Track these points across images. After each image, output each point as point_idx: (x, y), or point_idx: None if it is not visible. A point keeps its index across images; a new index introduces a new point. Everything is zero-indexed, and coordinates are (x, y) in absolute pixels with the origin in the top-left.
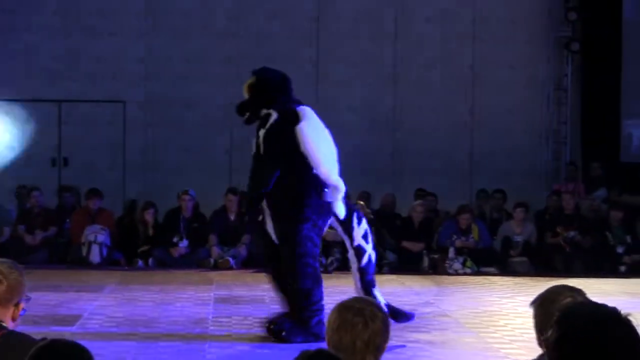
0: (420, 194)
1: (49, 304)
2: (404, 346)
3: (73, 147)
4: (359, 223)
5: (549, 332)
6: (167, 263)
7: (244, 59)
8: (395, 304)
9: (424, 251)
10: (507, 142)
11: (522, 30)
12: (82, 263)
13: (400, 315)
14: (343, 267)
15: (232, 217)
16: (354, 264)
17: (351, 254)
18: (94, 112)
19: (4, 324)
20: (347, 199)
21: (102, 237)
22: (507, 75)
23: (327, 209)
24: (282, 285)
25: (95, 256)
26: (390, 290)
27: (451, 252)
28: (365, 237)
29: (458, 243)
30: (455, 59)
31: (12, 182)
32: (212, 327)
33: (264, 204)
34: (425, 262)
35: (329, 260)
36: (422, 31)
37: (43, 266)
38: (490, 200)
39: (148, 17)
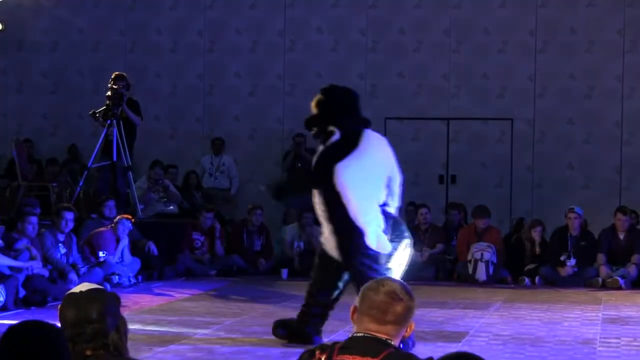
0: None
1: (436, 321)
2: None
3: (461, 164)
4: None
5: None
6: (555, 281)
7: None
8: None
9: None
10: None
11: None
12: (469, 280)
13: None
14: None
15: (621, 236)
16: None
17: None
18: (482, 130)
19: (391, 342)
20: None
21: (488, 254)
22: None
23: None
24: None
25: (481, 274)
26: None
27: None
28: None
29: None
30: None
31: (401, 199)
32: (600, 348)
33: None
34: None
35: None
36: None
37: (430, 282)
38: None
39: (539, 34)
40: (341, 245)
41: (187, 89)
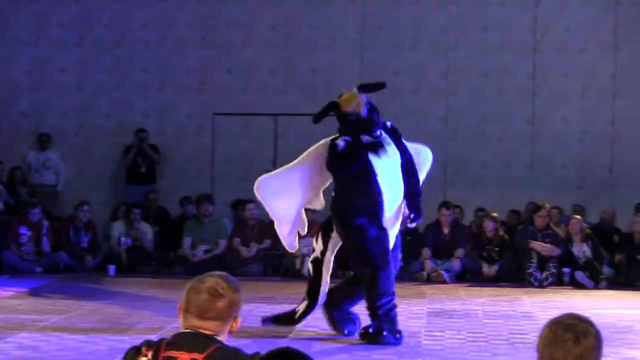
0: None
1: (264, 316)
2: None
3: (289, 160)
4: None
5: None
6: None
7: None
8: (611, 319)
9: None
10: None
11: None
12: (296, 275)
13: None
14: (558, 282)
15: (446, 231)
16: None
17: None
18: (311, 126)
19: (218, 338)
20: None
21: None
22: None
23: None
24: None
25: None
26: (607, 304)
27: None
28: None
29: None
30: None
31: (230, 195)
32: (425, 341)
33: None
34: None
35: (544, 275)
36: None
37: (257, 278)
38: None
39: (363, 32)
40: None
41: (12, 83)
